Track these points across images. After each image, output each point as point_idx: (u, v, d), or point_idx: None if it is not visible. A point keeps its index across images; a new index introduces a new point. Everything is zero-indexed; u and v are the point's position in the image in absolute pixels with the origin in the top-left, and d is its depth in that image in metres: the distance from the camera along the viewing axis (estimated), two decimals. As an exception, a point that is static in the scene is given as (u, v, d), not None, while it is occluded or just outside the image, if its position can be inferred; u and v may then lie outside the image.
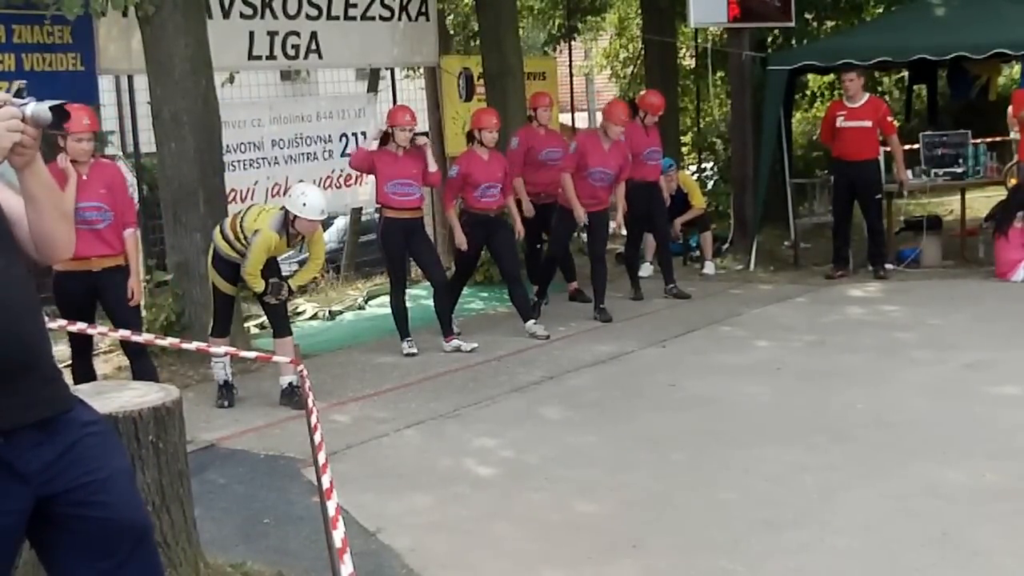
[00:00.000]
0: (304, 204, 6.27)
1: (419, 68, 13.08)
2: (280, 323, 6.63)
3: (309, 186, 6.56)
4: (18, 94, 2.56)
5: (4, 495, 2.50)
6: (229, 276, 6.64)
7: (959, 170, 10.39)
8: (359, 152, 8.12)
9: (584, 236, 9.40)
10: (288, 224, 6.35)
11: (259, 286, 6.42)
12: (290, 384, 6.48)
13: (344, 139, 10.21)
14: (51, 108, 2.46)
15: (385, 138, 7.80)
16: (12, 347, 2.47)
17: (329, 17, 9.76)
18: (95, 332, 5.78)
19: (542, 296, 8.94)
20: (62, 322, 5.61)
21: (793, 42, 13.19)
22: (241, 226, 6.45)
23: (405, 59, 11.32)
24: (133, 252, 6.30)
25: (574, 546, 4.26)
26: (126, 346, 6.34)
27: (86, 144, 5.94)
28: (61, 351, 6.93)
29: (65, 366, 6.20)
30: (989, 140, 11.22)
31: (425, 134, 8.13)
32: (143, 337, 5.81)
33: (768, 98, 10.86)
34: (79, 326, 5.57)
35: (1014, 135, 11.86)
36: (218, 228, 6.69)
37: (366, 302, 9.65)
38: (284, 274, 6.71)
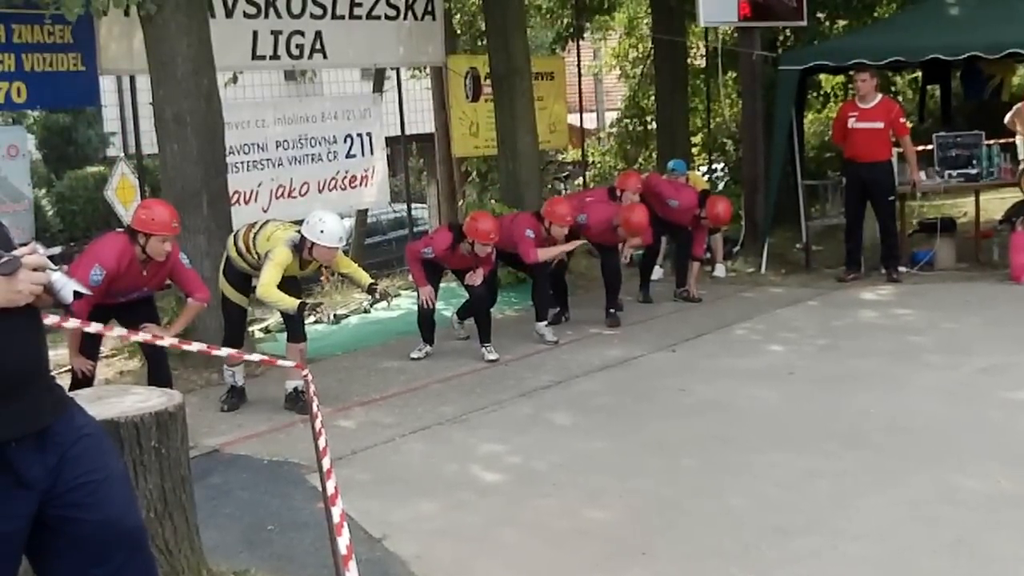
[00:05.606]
0: (322, 231, 6.16)
1: (425, 68, 13.04)
2: (296, 328, 6.56)
3: (327, 213, 6.39)
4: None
5: (12, 500, 2.52)
6: (241, 286, 6.59)
7: (973, 171, 10.30)
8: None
9: None
10: (303, 248, 6.24)
11: (286, 304, 6.19)
12: (295, 388, 6.42)
13: (349, 140, 10.16)
14: (74, 292, 2.56)
15: (458, 235, 7.62)
16: (18, 359, 2.52)
17: (334, 16, 9.71)
18: (95, 330, 5.69)
19: (564, 308, 8.87)
20: (75, 323, 5.53)
21: (804, 41, 13.10)
22: (254, 240, 6.38)
23: (411, 59, 11.26)
24: (186, 314, 6.17)
25: (582, 554, 4.21)
26: (146, 348, 6.25)
27: (168, 245, 5.89)
28: (61, 355, 6.87)
29: (65, 370, 6.15)
30: (1003, 141, 11.12)
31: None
32: (144, 336, 5.75)
33: (779, 98, 10.78)
34: (95, 326, 5.51)
35: (1020, 137, 11.77)
36: (231, 238, 6.62)
37: (372, 305, 9.59)
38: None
